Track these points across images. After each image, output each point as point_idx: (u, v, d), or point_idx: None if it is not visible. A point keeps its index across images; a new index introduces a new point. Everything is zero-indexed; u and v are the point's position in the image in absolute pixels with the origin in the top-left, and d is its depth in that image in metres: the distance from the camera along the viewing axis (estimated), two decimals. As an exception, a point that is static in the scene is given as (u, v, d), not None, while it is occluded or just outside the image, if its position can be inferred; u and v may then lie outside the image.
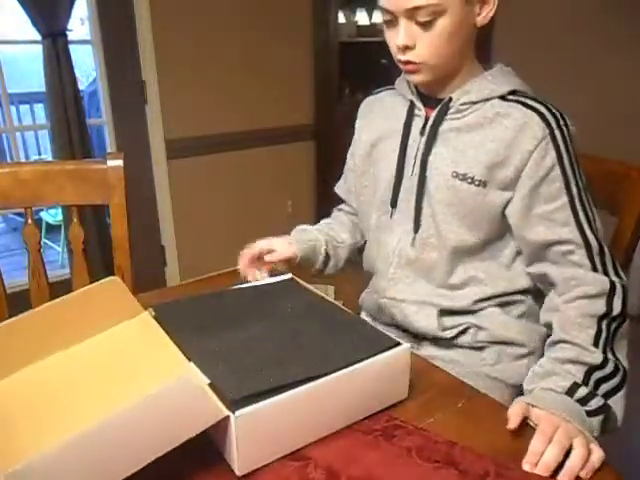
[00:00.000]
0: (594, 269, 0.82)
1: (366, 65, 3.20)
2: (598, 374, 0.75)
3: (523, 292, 0.94)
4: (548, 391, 0.74)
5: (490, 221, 0.88)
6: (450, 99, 0.89)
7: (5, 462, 0.51)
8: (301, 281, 0.94)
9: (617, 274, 0.83)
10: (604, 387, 0.75)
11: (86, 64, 3.23)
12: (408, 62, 0.85)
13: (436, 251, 0.93)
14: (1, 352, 0.71)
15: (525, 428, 0.70)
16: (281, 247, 1.02)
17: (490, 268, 0.92)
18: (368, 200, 1.03)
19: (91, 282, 0.77)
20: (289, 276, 0.95)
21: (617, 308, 0.79)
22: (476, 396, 0.77)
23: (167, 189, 2.82)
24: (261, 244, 1.02)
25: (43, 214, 3.40)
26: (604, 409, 0.73)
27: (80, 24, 3.05)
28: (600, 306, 0.79)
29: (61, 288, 0.95)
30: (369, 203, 1.03)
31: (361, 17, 3.16)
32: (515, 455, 0.64)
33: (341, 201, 1.19)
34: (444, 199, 0.90)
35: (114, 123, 2.66)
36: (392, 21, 0.84)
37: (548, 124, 0.82)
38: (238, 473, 0.61)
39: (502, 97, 0.86)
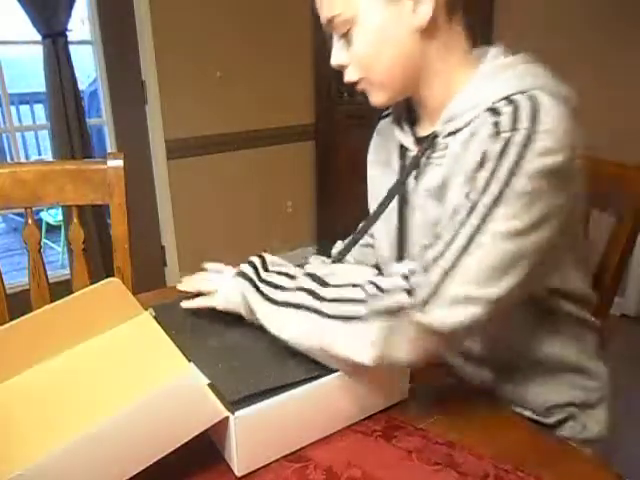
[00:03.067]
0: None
1: (366, 65, 3.21)
2: None
3: None
4: None
5: None
6: (435, 136, 0.72)
7: (7, 466, 0.51)
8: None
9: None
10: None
11: (86, 64, 3.22)
12: (350, 83, 0.75)
13: None
14: (2, 355, 0.71)
15: (524, 430, 0.70)
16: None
17: None
18: (377, 243, 0.89)
19: (91, 282, 0.77)
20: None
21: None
22: (476, 396, 0.77)
23: (167, 189, 2.82)
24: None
25: (43, 214, 3.41)
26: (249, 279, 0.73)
27: (80, 24, 3.05)
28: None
29: (61, 288, 0.95)
30: (379, 246, 0.88)
31: (361, 17, 3.17)
32: (515, 456, 0.64)
33: None
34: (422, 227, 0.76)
35: (114, 123, 2.66)
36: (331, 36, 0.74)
37: (496, 124, 0.62)
38: (238, 474, 0.61)
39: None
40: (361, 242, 0.91)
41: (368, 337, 0.61)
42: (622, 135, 2.41)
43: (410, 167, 0.77)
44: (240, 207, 3.09)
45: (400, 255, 0.82)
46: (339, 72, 0.77)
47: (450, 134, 0.71)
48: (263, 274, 0.73)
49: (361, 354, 0.62)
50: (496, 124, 0.62)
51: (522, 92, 0.63)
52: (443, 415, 0.72)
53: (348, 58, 0.73)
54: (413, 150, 0.78)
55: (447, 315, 0.60)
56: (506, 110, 0.62)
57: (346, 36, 0.71)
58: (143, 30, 2.58)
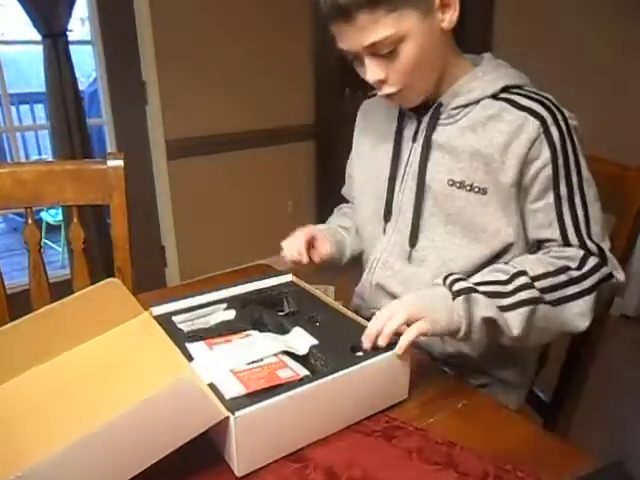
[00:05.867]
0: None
1: (366, 65, 3.20)
2: (492, 286, 0.74)
3: None
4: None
5: (492, 234, 0.83)
6: (441, 104, 0.85)
7: (7, 467, 0.51)
8: (301, 282, 0.94)
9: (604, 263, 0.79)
10: (482, 287, 0.73)
11: (86, 64, 3.22)
12: (389, 94, 0.83)
13: (430, 272, 0.88)
14: (2, 356, 0.71)
15: (524, 430, 0.70)
16: (323, 244, 0.98)
17: None
18: (363, 211, 1.00)
19: (91, 282, 0.77)
20: (289, 277, 0.95)
21: (586, 268, 0.77)
22: (476, 396, 0.77)
23: (167, 189, 2.82)
24: (305, 235, 0.96)
25: (43, 214, 3.40)
26: (466, 290, 0.71)
27: (80, 24, 3.05)
28: (567, 262, 0.77)
29: (61, 288, 0.95)
30: (364, 214, 1.00)
31: (361, 17, 3.16)
32: (515, 456, 0.64)
33: (345, 201, 1.15)
34: (442, 210, 0.86)
35: (114, 123, 2.66)
36: (358, 58, 0.81)
37: (543, 121, 0.78)
38: (238, 474, 0.61)
39: (494, 96, 0.82)
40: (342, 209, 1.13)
41: (580, 311, 0.76)
42: (622, 135, 2.41)
43: (429, 124, 0.87)
44: (240, 207, 3.09)
45: (387, 211, 0.94)
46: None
47: (460, 107, 0.84)
48: (480, 288, 0.74)
49: (578, 326, 0.76)
50: (542, 118, 0.79)
51: (515, 86, 0.83)
52: (443, 415, 0.72)
53: (386, 73, 0.80)
54: (412, 115, 0.90)
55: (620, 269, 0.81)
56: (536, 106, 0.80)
57: (390, 55, 0.78)
58: (143, 30, 2.58)
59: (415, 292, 0.76)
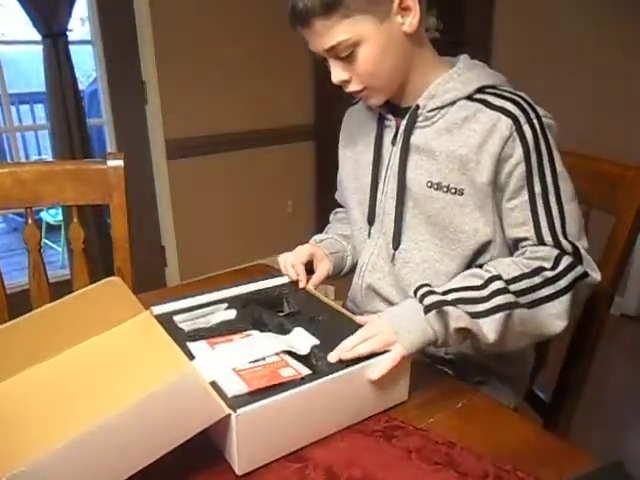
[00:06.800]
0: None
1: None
2: (466, 292, 0.73)
3: None
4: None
5: (470, 234, 0.84)
6: (417, 107, 0.86)
7: (8, 463, 0.51)
8: (301, 281, 0.94)
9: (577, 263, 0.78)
10: (455, 294, 0.73)
11: (86, 64, 3.22)
12: (353, 92, 0.86)
13: (416, 273, 0.90)
14: (3, 354, 0.71)
15: (524, 430, 0.70)
16: (322, 265, 0.99)
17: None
18: (353, 216, 1.01)
19: (91, 282, 0.77)
20: (288, 278, 0.95)
21: (560, 268, 0.76)
22: (476, 396, 0.77)
23: (167, 189, 2.82)
24: (301, 257, 0.96)
25: (43, 214, 3.40)
26: (436, 305, 0.71)
27: (80, 24, 3.05)
28: (542, 262, 0.77)
29: (61, 288, 0.95)
30: (353, 219, 1.01)
31: (361, 17, 3.16)
32: (515, 456, 0.64)
33: (339, 206, 1.17)
34: (423, 212, 0.87)
35: (114, 123, 2.66)
36: (325, 60, 0.85)
37: (515, 120, 0.79)
38: (238, 472, 0.61)
39: (469, 97, 0.83)
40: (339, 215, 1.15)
41: (556, 312, 0.75)
42: (622, 135, 2.41)
43: (406, 127, 0.88)
44: (240, 207, 3.09)
45: (371, 215, 0.95)
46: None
47: (436, 109, 0.85)
48: (448, 297, 0.73)
49: (556, 327, 0.76)
50: (514, 118, 0.79)
51: (490, 86, 0.83)
52: (443, 415, 0.72)
53: (349, 74, 0.84)
54: (391, 119, 0.91)
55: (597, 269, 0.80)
56: (510, 107, 0.80)
57: (349, 58, 0.81)
58: (143, 30, 2.58)
59: (394, 309, 0.76)
